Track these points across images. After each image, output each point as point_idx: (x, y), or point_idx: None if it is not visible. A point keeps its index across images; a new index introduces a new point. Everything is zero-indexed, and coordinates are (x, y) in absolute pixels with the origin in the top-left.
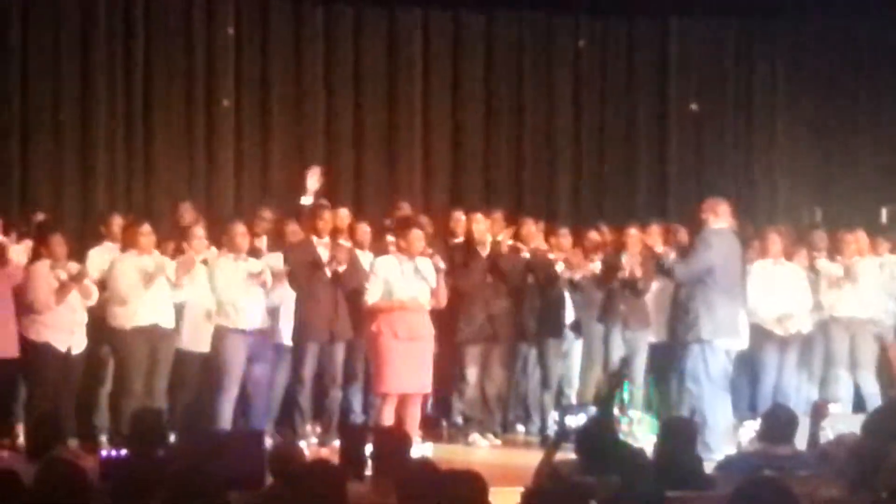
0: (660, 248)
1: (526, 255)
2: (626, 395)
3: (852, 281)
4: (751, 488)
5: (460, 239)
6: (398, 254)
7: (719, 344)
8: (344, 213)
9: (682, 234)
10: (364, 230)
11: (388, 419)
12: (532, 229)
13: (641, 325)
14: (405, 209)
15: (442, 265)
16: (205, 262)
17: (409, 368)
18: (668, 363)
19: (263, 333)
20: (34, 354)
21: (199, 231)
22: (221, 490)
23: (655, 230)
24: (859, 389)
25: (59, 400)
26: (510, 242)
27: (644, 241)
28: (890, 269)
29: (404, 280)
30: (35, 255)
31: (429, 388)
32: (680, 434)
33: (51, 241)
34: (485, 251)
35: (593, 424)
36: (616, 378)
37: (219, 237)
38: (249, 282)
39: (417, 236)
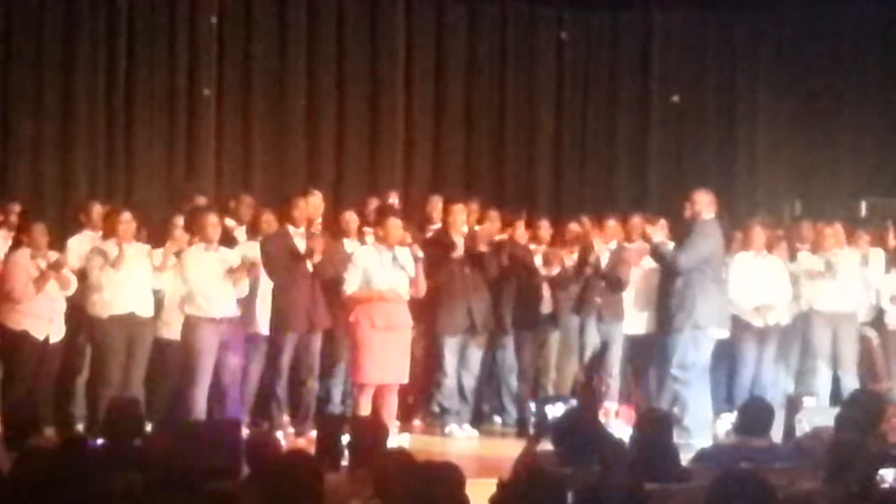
0: (658, 237)
1: (503, 246)
2: (603, 387)
3: (832, 274)
4: (728, 481)
5: (437, 225)
6: (377, 244)
7: (711, 332)
8: (316, 201)
9: (661, 226)
10: (349, 219)
11: (365, 409)
12: (521, 231)
13: (616, 317)
14: (392, 199)
15: (420, 254)
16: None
17: (386, 358)
18: (644, 354)
19: (235, 322)
20: (11, 342)
21: (181, 221)
22: (198, 480)
23: (637, 222)
24: (838, 383)
25: (36, 388)
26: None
27: (643, 229)
28: (871, 263)
29: (383, 270)
30: (16, 244)
31: (405, 379)
32: (657, 426)
33: (32, 230)
34: (460, 240)
35: (571, 415)
36: (593, 369)
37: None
38: (229, 277)
39: (395, 226)
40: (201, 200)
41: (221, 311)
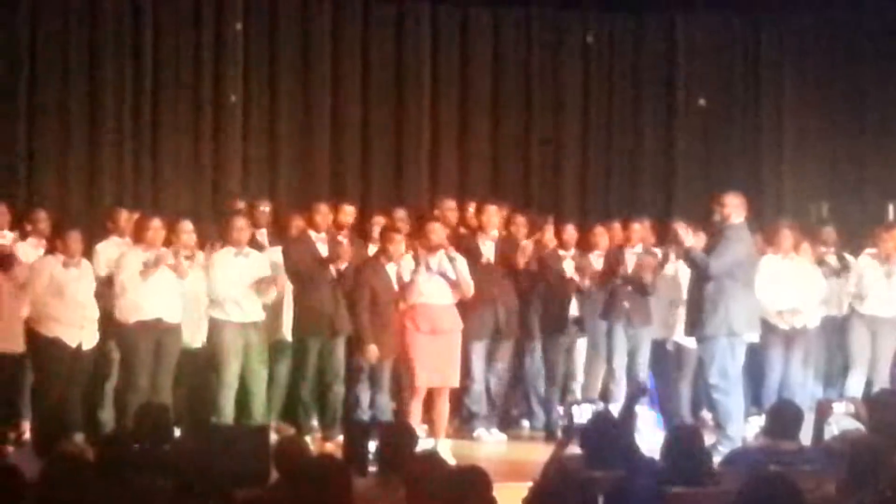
0: (690, 241)
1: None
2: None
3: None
4: (758, 484)
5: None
6: (415, 253)
7: (745, 337)
8: (349, 210)
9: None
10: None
11: (415, 414)
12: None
13: (644, 322)
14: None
15: (454, 254)
16: (189, 257)
17: (435, 362)
18: (667, 359)
19: (258, 326)
20: (44, 349)
21: (188, 226)
22: (227, 486)
23: (646, 225)
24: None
25: (67, 395)
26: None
27: (676, 234)
28: None
29: (426, 277)
30: (49, 251)
31: (457, 382)
32: (687, 443)
33: (67, 238)
34: (490, 245)
35: (599, 420)
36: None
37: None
38: (255, 289)
39: (436, 230)
40: (240, 204)
41: (247, 316)
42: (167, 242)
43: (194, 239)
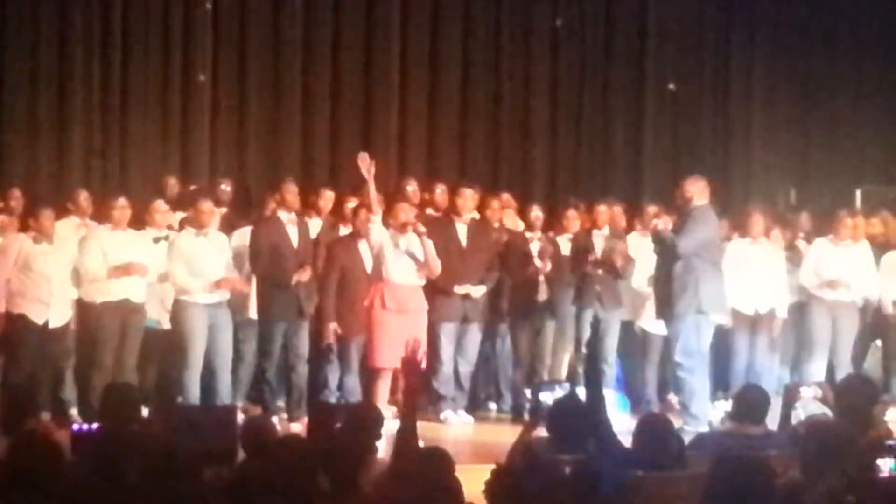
0: (660, 224)
1: (501, 234)
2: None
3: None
4: (728, 465)
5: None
6: (386, 229)
7: (712, 317)
8: (329, 195)
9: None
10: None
11: (382, 395)
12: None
13: (615, 305)
14: (411, 185)
15: (422, 229)
16: (167, 238)
17: (401, 342)
18: (634, 342)
19: (224, 307)
20: (10, 327)
21: (162, 205)
22: (195, 465)
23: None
24: (833, 371)
25: (35, 373)
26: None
27: (648, 217)
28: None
29: (395, 255)
30: (22, 229)
31: (423, 363)
32: (657, 431)
33: (39, 216)
34: (463, 227)
35: (566, 402)
36: (592, 357)
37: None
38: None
39: (405, 210)
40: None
41: (211, 297)
42: (137, 221)
43: (168, 219)
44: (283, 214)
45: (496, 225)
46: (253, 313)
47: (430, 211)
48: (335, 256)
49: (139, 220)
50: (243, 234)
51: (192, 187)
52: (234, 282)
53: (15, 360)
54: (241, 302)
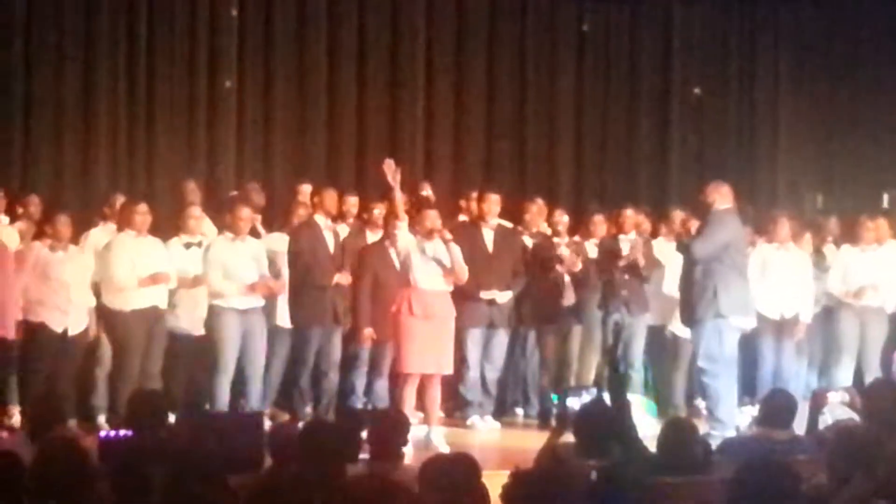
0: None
1: (528, 239)
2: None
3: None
4: (753, 470)
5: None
6: (413, 235)
7: (734, 321)
8: (353, 201)
9: (678, 217)
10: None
11: (409, 401)
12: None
13: (641, 310)
14: (426, 191)
15: (449, 236)
16: (199, 244)
17: (429, 348)
18: (663, 347)
19: (258, 313)
20: (30, 335)
21: (196, 211)
22: (221, 472)
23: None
24: (862, 376)
25: (57, 380)
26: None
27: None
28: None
29: (422, 261)
30: (38, 236)
31: (450, 369)
32: (681, 435)
33: (56, 222)
34: (490, 233)
35: (592, 407)
36: (615, 363)
37: (221, 218)
38: (249, 293)
39: (432, 217)
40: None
41: (245, 303)
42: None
43: (203, 225)
44: (320, 219)
45: (534, 230)
46: (281, 320)
47: (462, 217)
48: (367, 262)
49: (171, 227)
50: (273, 240)
51: (233, 193)
52: (270, 285)
53: (36, 369)
54: (269, 309)
